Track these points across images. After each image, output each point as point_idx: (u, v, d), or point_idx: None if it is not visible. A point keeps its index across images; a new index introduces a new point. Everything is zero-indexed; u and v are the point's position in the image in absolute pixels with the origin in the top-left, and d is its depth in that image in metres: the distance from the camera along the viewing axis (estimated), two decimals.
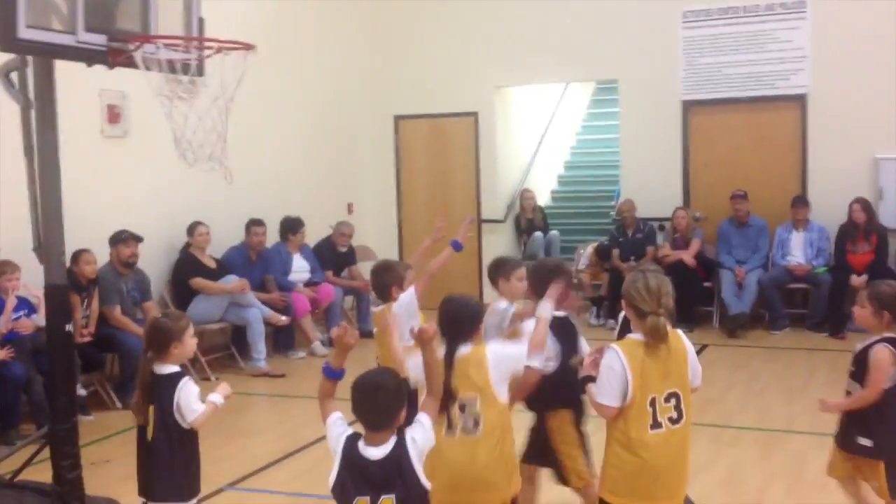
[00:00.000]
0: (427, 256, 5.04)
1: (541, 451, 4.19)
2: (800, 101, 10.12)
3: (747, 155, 10.41)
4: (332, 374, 3.20)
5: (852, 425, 4.01)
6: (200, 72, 4.74)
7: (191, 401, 3.72)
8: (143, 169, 8.21)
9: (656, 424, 3.34)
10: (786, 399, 6.91)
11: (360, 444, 3.01)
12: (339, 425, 3.11)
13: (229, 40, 4.54)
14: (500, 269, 4.46)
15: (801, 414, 6.47)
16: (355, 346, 3.15)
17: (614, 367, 3.33)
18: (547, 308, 3.80)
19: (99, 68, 4.77)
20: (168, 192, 8.44)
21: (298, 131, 10.45)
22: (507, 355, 3.63)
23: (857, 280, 9.27)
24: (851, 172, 9.84)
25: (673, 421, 3.37)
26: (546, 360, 3.86)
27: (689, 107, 10.57)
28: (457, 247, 5.00)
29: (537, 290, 4.04)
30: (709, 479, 5.21)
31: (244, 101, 4.35)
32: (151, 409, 3.72)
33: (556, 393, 4.02)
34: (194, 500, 3.82)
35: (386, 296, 4.74)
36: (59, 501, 4.47)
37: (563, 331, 4.09)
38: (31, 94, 4.55)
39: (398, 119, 11.83)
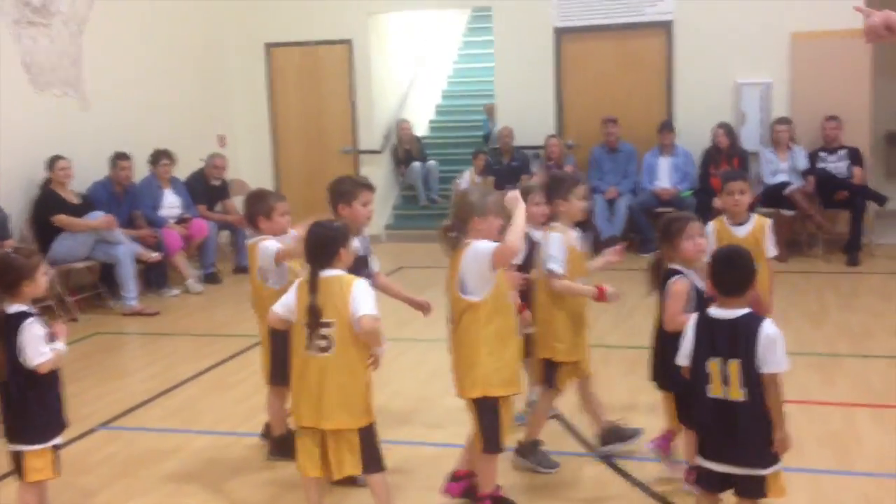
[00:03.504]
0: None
1: None
2: (666, 27, 10.35)
3: (617, 82, 10.62)
4: None
5: None
6: None
7: (35, 343, 3.55)
8: None
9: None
10: (651, 318, 7.15)
11: (710, 310, 3.29)
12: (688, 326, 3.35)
13: None
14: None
15: None
16: None
17: None
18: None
19: None
20: (24, 125, 7.99)
21: (163, 59, 10.03)
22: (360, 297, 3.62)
23: (719, 202, 9.61)
24: (715, 97, 10.18)
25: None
26: None
27: (561, 34, 10.66)
28: None
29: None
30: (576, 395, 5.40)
31: (101, 25, 4.15)
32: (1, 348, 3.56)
33: None
34: (52, 443, 3.69)
35: (254, 226, 4.58)
36: None
37: None
38: None
39: (269, 47, 11.51)
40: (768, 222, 4.92)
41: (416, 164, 11.66)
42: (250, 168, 11.31)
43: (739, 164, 9.80)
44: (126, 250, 8.16)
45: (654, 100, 10.52)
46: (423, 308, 4.62)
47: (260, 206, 4.56)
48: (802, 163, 9.71)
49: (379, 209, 11.62)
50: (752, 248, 4.80)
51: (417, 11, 12.34)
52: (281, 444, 4.60)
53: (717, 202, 9.64)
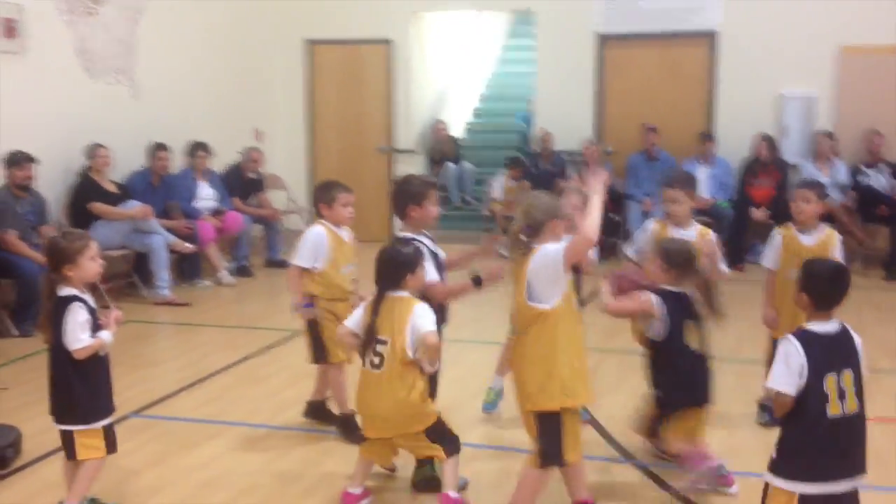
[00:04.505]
0: None
1: None
2: (710, 37, 10.24)
3: (658, 90, 10.53)
4: None
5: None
6: None
7: (76, 329, 3.58)
8: (40, 88, 7.79)
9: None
10: None
11: (809, 326, 3.18)
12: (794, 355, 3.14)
13: None
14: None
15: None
16: None
17: None
18: None
19: None
20: (66, 113, 8.06)
21: (205, 53, 10.07)
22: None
23: (757, 213, 9.55)
24: (757, 109, 10.06)
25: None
26: None
27: (603, 40, 10.58)
28: None
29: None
30: (614, 401, 5.34)
31: (157, 15, 4.16)
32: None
33: None
34: (99, 424, 3.71)
35: (317, 213, 4.76)
36: None
37: None
38: None
39: (311, 44, 11.53)
40: (839, 236, 4.87)
41: (451, 165, 11.63)
42: (287, 163, 11.34)
43: (779, 176, 9.67)
44: (161, 240, 8.19)
45: (696, 109, 10.42)
46: (487, 252, 4.33)
47: (323, 195, 4.72)
48: (844, 177, 9.57)
49: None
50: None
51: (459, 13, 12.32)
52: (314, 410, 5.01)
53: (755, 213, 9.56)
